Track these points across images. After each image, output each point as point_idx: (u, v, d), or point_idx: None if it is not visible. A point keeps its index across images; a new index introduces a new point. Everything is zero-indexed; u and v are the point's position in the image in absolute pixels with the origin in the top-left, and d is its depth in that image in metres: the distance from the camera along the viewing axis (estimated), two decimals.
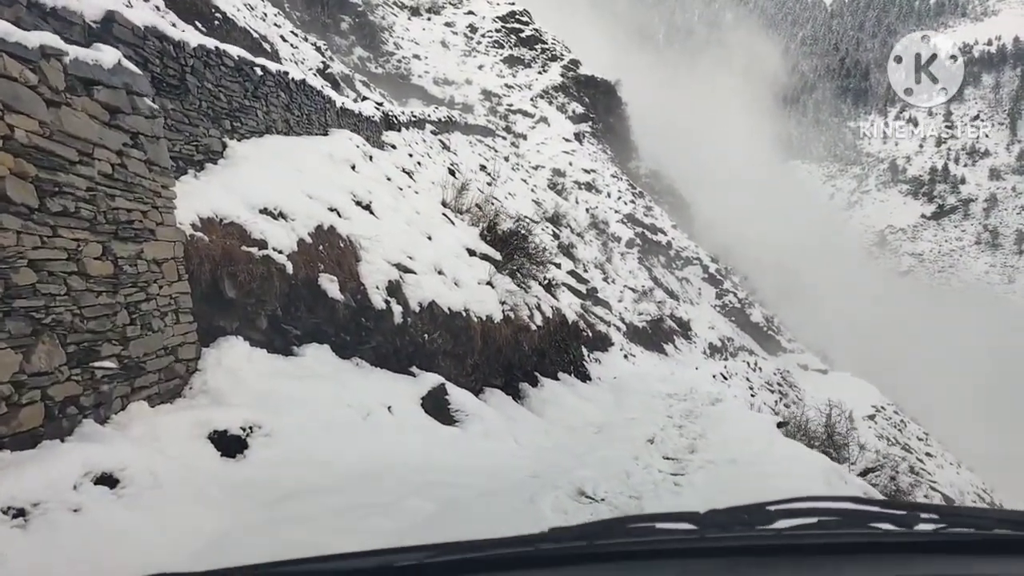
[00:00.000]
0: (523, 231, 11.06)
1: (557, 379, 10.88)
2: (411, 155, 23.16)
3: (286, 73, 9.11)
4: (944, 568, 1.35)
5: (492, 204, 11.79)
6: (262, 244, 5.64)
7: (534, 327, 9.43)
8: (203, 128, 6.28)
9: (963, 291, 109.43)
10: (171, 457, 3.61)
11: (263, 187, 6.19)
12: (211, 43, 6.67)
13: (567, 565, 1.31)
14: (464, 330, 7.37)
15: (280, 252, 5.74)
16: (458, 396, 6.33)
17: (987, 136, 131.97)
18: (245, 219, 5.65)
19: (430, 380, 6.27)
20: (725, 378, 29.11)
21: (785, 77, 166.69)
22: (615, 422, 8.91)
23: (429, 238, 8.85)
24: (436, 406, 6.02)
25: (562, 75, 67.29)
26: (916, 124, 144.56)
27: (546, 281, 13.77)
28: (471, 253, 9.74)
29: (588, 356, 16.05)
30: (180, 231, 4.88)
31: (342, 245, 6.49)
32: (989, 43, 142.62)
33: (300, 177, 7.12)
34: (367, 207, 7.97)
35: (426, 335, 6.78)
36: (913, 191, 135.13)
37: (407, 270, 7.15)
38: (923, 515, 1.46)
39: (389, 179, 10.51)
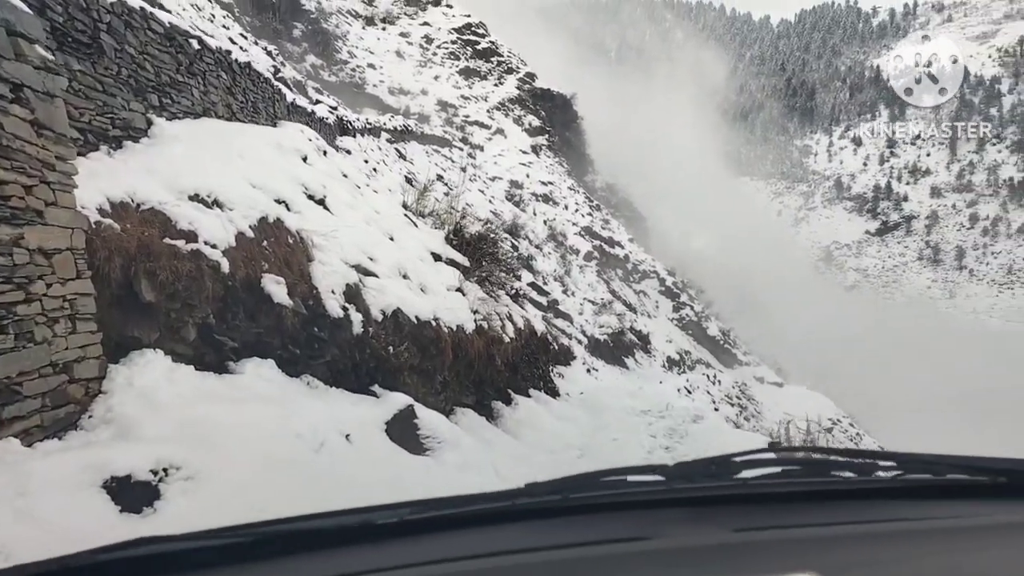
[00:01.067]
0: (492, 235, 10.15)
1: (529, 396, 9.95)
2: (366, 161, 22.14)
3: (228, 52, 8.05)
4: (902, 512, 1.41)
5: (458, 207, 10.83)
6: (191, 236, 4.60)
7: (507, 339, 8.50)
8: (122, 99, 5.23)
9: (907, 305, 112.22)
10: (40, 521, 2.57)
11: (196, 171, 5.15)
12: (135, 1, 5.62)
13: (542, 518, 1.35)
14: (433, 342, 6.40)
15: (214, 247, 4.69)
16: (429, 420, 5.36)
17: (928, 155, 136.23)
18: (170, 206, 4.60)
19: (396, 401, 5.28)
20: (689, 392, 28.57)
21: (734, 96, 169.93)
22: (597, 444, 8.03)
23: (391, 239, 7.87)
24: (404, 432, 5.04)
25: (518, 88, 66.99)
26: (860, 143, 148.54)
27: (513, 291, 12.86)
28: (436, 258, 8.78)
29: (551, 370, 15.23)
30: (81, 216, 3.82)
31: (291, 241, 5.47)
32: (929, 64, 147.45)
33: (242, 164, 6.08)
34: (321, 202, 6.95)
35: (390, 347, 5.79)
36: (858, 208, 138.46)
37: (368, 272, 6.15)
38: (881, 462, 1.52)
39: (345, 176, 9.48)
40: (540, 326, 12.83)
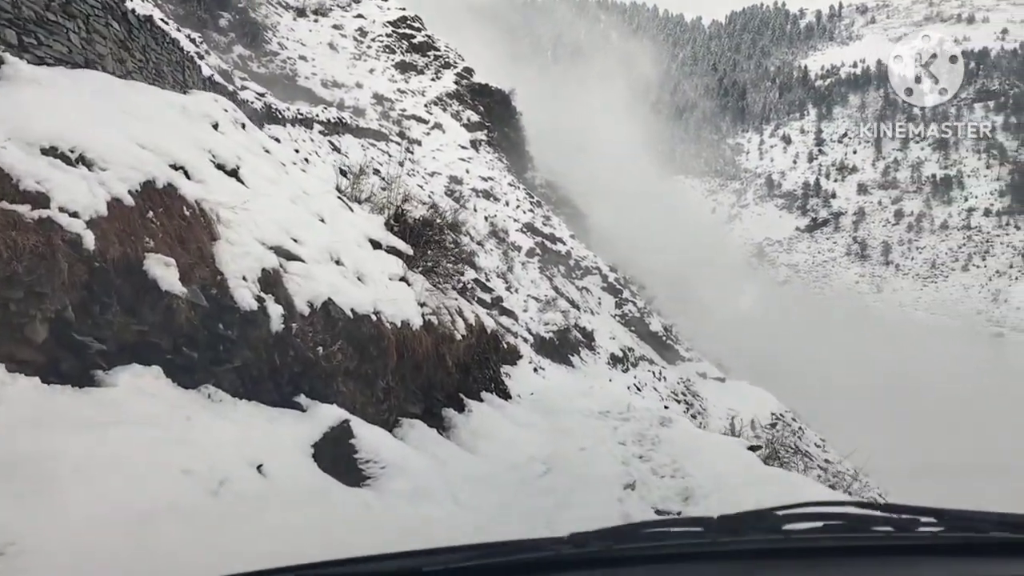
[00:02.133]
0: (439, 221, 9.04)
1: (482, 400, 8.87)
2: (297, 151, 20.79)
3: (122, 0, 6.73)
4: (944, 570, 1.41)
5: (398, 189, 9.66)
6: (40, 201, 3.36)
7: (459, 336, 7.41)
8: None
9: (836, 299, 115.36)
10: None
11: (56, 120, 3.91)
12: None
13: (586, 568, 1.35)
14: (374, 340, 5.26)
15: (74, 215, 3.46)
16: (369, 437, 4.23)
17: (855, 153, 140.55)
18: (12, 159, 3.37)
19: (327, 415, 4.14)
20: (638, 389, 28.01)
21: (668, 95, 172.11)
22: (564, 454, 7.03)
23: (322, 220, 6.68)
24: (337, 457, 3.92)
25: (456, 83, 65.86)
26: (789, 141, 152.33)
27: (461, 285, 11.78)
28: (376, 246, 7.62)
29: (501, 370, 14.22)
30: None
31: (188, 214, 4.26)
32: (855, 65, 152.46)
33: (128, 121, 4.83)
34: (233, 173, 5.72)
35: (320, 348, 4.63)
36: (788, 205, 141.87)
37: (292, 256, 4.97)
38: (923, 519, 1.52)
39: (268, 151, 8.23)
40: (490, 323, 11.78)
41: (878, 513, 1.56)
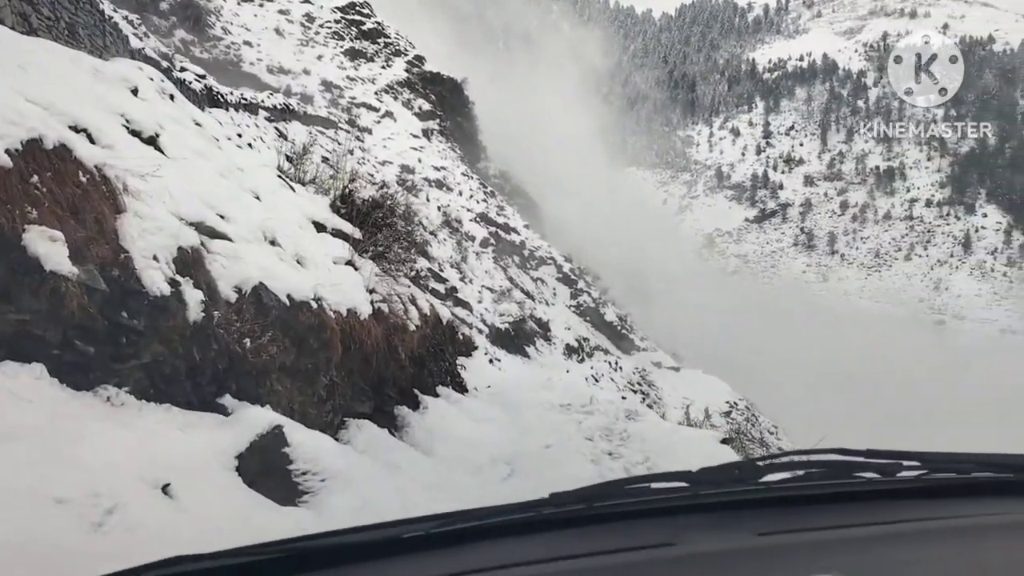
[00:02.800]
0: (389, 202, 8.36)
1: (438, 395, 8.25)
2: (240, 135, 19.83)
3: None
4: (927, 512, 1.41)
5: (346, 167, 8.92)
6: None
7: (412, 327, 6.77)
8: None
9: (784, 289, 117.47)
10: None
11: None
12: None
13: (568, 528, 1.36)
14: (314, 331, 4.60)
15: None
16: (307, 445, 3.58)
17: (801, 145, 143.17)
18: None
19: (256, 419, 3.46)
20: (596, 380, 27.70)
21: (619, 87, 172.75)
22: (528, 453, 6.47)
23: (258, 198, 5.97)
24: (267, 468, 3.26)
25: (407, 71, 64.66)
26: (738, 134, 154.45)
27: (414, 272, 11.10)
28: (320, 228, 6.93)
29: (458, 363, 13.63)
30: None
31: (85, 181, 3.54)
32: (801, 59, 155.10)
33: (18, 74, 4.07)
34: (151, 141, 4.98)
35: (248, 340, 3.95)
36: (737, 196, 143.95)
37: (217, 234, 4.27)
38: (905, 463, 1.51)
39: (199, 124, 7.45)
40: (445, 313, 11.14)
41: (860, 459, 1.54)
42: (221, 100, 27.24)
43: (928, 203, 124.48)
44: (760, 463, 1.49)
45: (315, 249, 5.56)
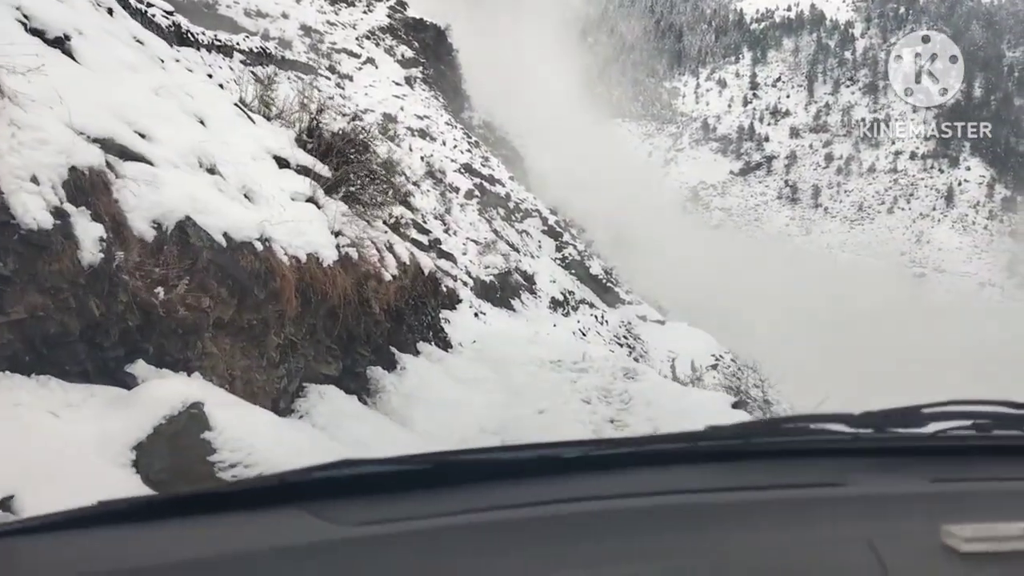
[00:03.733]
0: (362, 136, 7.39)
1: (418, 354, 7.43)
2: (211, 75, 18.56)
3: None
4: None
5: (314, 98, 7.91)
6: None
7: (388, 276, 5.91)
8: None
9: (767, 242, 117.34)
10: None
11: None
12: None
13: (724, 461, 1.35)
14: (260, 279, 3.72)
15: None
16: (235, 426, 2.68)
17: (788, 97, 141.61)
18: None
19: (165, 396, 2.58)
20: (583, 334, 27.10)
21: (605, 37, 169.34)
22: (520, 420, 5.69)
23: (202, 123, 5.01)
24: (178, 462, 2.42)
25: (389, 16, 62.42)
26: (725, 85, 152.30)
27: (394, 219, 10.18)
28: (282, 164, 6.00)
29: (440, 316, 12.83)
30: None
31: None
32: (789, 8, 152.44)
33: None
34: (58, 43, 4.00)
35: (162, 291, 3.07)
36: (723, 149, 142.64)
37: (131, 155, 3.34)
38: None
39: (142, 43, 6.42)
40: (428, 263, 10.26)
41: None
42: (191, 39, 25.64)
43: (912, 156, 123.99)
44: (925, 410, 1.42)
45: (270, 183, 4.65)
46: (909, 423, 1.41)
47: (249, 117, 7.15)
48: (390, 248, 6.73)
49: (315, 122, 7.05)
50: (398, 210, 13.35)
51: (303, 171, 6.33)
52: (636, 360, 30.45)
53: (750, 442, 1.36)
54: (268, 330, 3.81)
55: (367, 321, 5.64)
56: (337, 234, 4.88)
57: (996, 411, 1.46)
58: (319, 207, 4.98)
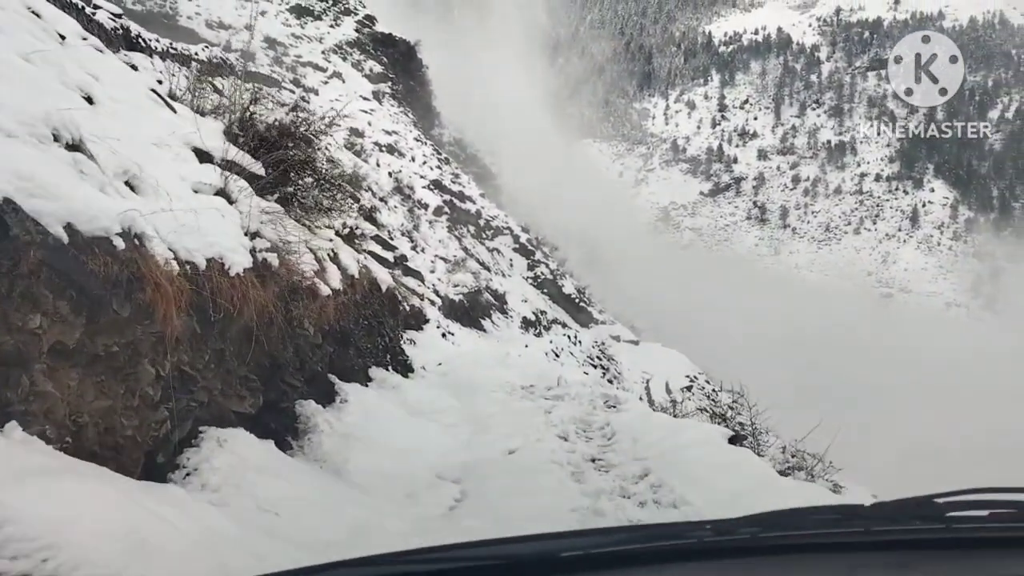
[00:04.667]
0: (304, 130, 6.41)
1: (369, 381, 6.42)
2: (160, 82, 17.46)
3: None
4: None
5: (247, 85, 6.91)
6: None
7: (327, 291, 4.93)
8: None
9: (737, 263, 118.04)
10: None
11: None
12: None
13: (731, 558, 1.30)
14: (122, 288, 2.72)
15: None
16: (36, 511, 1.72)
17: (755, 119, 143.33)
18: None
19: None
20: (556, 355, 26.18)
21: (576, 58, 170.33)
22: (485, 463, 4.72)
23: (89, 100, 4.02)
24: None
25: (357, 31, 61.56)
26: (694, 107, 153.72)
27: (347, 230, 9.19)
28: (204, 159, 5.01)
29: (403, 337, 11.87)
30: None
31: None
32: (756, 32, 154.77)
33: None
34: None
35: None
36: (692, 170, 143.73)
37: None
38: None
39: (38, 15, 5.40)
40: (385, 278, 9.27)
41: None
42: (142, 45, 24.46)
43: (877, 177, 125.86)
44: (940, 500, 1.36)
45: (166, 171, 3.66)
46: (924, 515, 1.35)
47: (170, 106, 6.16)
48: (334, 258, 5.75)
49: (248, 112, 6.08)
50: (357, 221, 12.35)
51: (228, 166, 5.34)
52: (610, 381, 29.60)
53: (758, 536, 1.30)
54: (140, 358, 2.82)
55: (300, 344, 4.64)
56: (254, 236, 3.91)
57: (1014, 499, 1.37)
58: (232, 202, 4.01)
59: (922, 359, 77.16)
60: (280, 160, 6.00)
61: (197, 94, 7.42)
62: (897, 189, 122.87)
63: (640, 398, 17.31)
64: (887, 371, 74.78)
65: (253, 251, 3.84)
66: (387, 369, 7.93)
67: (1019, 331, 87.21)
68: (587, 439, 5.65)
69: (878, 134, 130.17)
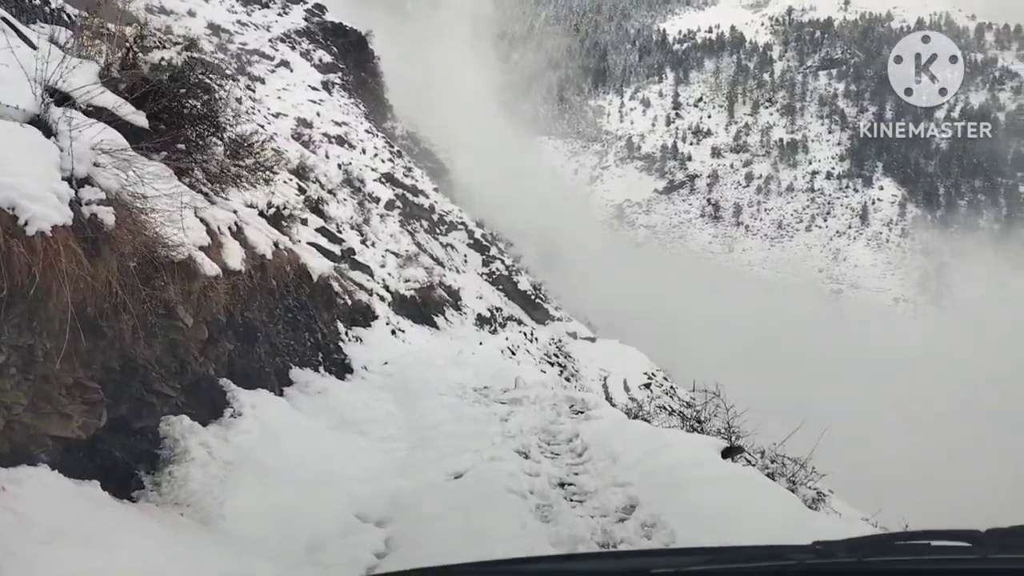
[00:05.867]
0: (203, 74, 5.19)
1: (287, 385, 5.24)
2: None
3: None
4: None
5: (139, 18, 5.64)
6: None
7: (214, 271, 3.75)
8: None
9: (691, 260, 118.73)
10: None
11: None
12: None
13: None
14: None
15: None
16: None
17: (709, 117, 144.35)
18: None
19: None
20: (512, 353, 25.15)
21: (531, 55, 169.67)
22: (422, 492, 3.59)
23: None
24: None
25: (306, 20, 59.69)
26: (648, 104, 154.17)
27: (273, 208, 7.95)
28: (63, 101, 3.78)
29: (346, 334, 10.71)
30: None
31: None
32: (710, 31, 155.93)
33: None
34: None
35: None
36: (647, 167, 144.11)
37: None
38: None
39: None
40: (318, 264, 8.05)
41: None
42: (67, 20, 22.61)
43: (828, 175, 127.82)
44: None
45: None
46: None
47: (28, 41, 4.89)
48: (236, 233, 4.55)
49: (131, 54, 4.85)
50: (290, 203, 11.11)
51: (95, 112, 4.11)
52: (568, 380, 28.57)
53: (863, 561, 1.27)
54: None
55: (176, 340, 3.45)
56: (82, 183, 2.72)
57: None
58: (52, 135, 2.81)
59: (871, 356, 78.52)
60: (171, 112, 4.79)
61: (83, 40, 6.11)
62: (847, 187, 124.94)
63: (597, 395, 16.36)
64: (839, 366, 75.87)
65: (76, 203, 2.65)
66: (317, 370, 6.74)
67: (964, 325, 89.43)
68: (552, 455, 4.57)
69: (829, 132, 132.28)
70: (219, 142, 5.19)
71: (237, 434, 3.47)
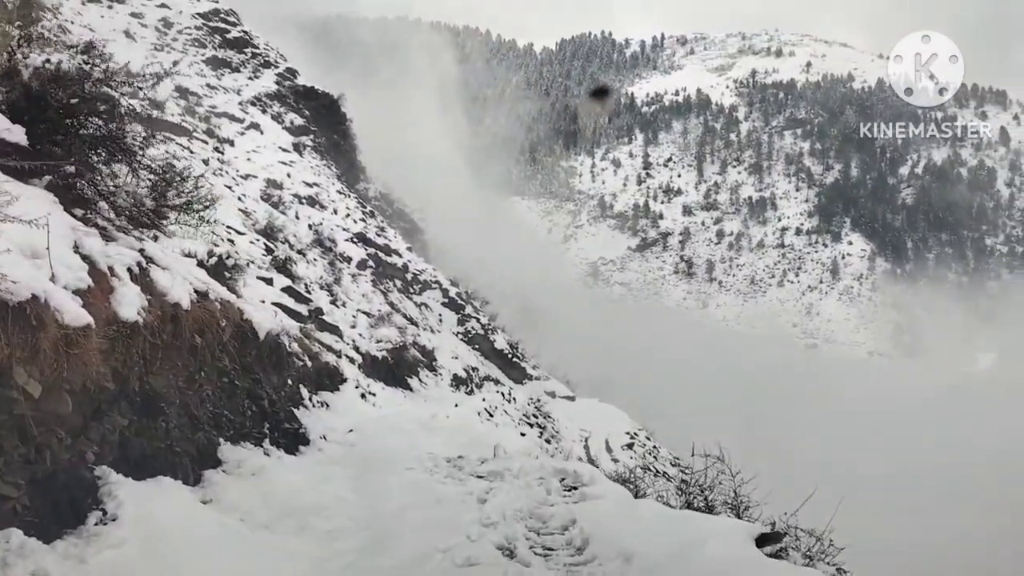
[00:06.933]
0: (101, 81, 4.24)
1: (207, 471, 4.16)
2: None
3: None
4: None
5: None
6: None
7: (80, 319, 2.76)
8: None
9: (666, 316, 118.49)
10: None
11: None
12: None
13: None
14: None
15: None
16: None
17: (679, 176, 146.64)
18: None
19: None
20: (491, 415, 23.91)
21: (503, 119, 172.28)
22: None
23: None
24: None
25: (277, 83, 59.44)
26: (619, 165, 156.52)
27: (214, 258, 6.97)
28: None
29: (311, 399, 9.60)
30: None
31: None
32: (677, 93, 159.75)
33: None
34: None
35: None
36: (620, 226, 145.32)
37: None
38: None
39: None
40: (264, 319, 7.01)
41: None
42: None
43: (798, 231, 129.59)
44: None
45: None
46: None
47: None
48: (139, 277, 3.57)
49: (11, 57, 3.93)
50: (229, 243, 10.10)
51: None
52: (548, 441, 27.28)
53: None
54: None
55: (22, 416, 2.42)
56: None
57: None
58: None
59: (848, 408, 77.94)
60: (59, 128, 3.85)
61: None
62: (817, 242, 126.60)
63: (579, 458, 15.19)
64: (820, 421, 75.01)
65: None
66: (260, 444, 5.65)
67: (940, 377, 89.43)
68: (545, 551, 3.55)
69: (796, 190, 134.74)
70: (128, 169, 4.25)
71: (101, 550, 2.43)
